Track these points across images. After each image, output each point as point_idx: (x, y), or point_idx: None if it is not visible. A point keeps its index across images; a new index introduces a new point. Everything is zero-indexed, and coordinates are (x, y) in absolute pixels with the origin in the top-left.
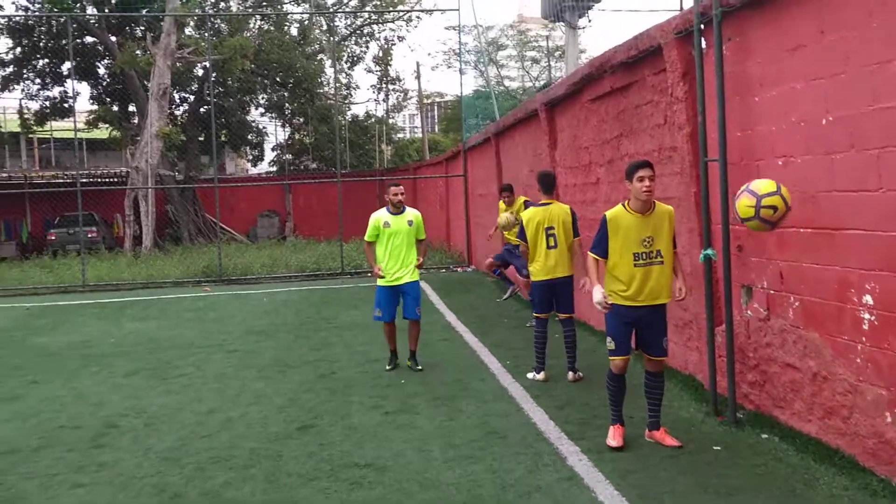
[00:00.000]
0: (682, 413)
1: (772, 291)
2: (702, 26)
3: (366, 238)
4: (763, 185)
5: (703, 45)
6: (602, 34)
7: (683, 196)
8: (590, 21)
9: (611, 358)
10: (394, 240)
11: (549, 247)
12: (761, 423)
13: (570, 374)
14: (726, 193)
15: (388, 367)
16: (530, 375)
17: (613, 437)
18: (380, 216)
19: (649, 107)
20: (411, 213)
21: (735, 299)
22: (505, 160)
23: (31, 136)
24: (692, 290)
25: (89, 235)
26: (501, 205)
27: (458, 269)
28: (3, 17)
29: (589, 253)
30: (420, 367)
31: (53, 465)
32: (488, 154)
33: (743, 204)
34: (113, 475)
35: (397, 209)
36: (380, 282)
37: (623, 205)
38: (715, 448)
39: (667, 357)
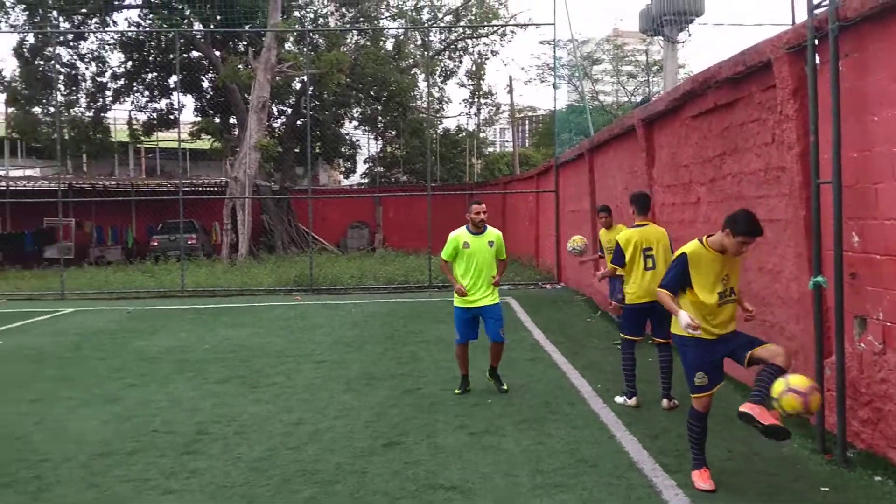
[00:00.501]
0: (786, 450)
1: (888, 323)
2: (816, 41)
3: (442, 256)
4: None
5: (817, 60)
6: (703, 49)
7: (791, 219)
8: (689, 35)
9: (697, 395)
10: (473, 261)
11: (647, 268)
12: (874, 465)
13: (665, 401)
14: (840, 218)
15: (457, 391)
16: (620, 400)
17: (704, 480)
18: (459, 235)
19: (756, 124)
20: (493, 234)
21: (847, 330)
22: (598, 177)
23: (138, 145)
24: (799, 319)
25: (189, 242)
26: (602, 230)
27: (547, 286)
28: (116, 32)
29: (659, 290)
30: (505, 388)
31: (147, 470)
32: (581, 170)
33: (789, 401)
34: (203, 483)
35: (478, 229)
36: (456, 302)
37: (701, 241)
38: (823, 489)
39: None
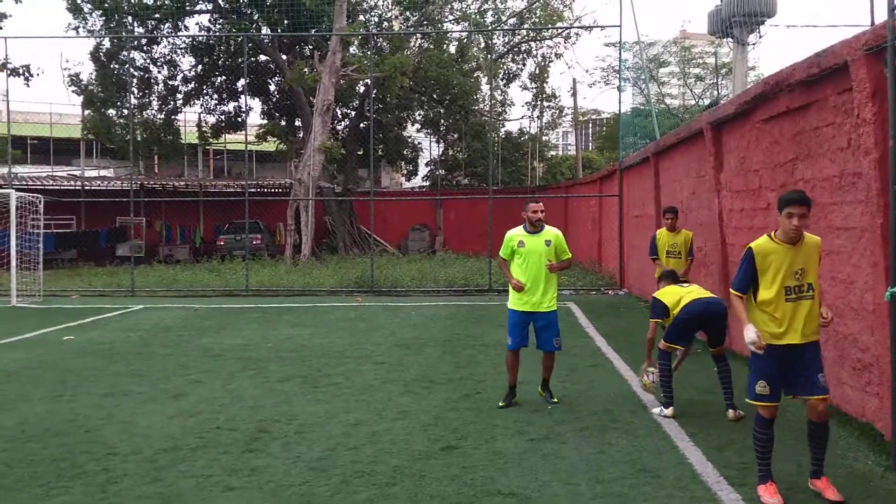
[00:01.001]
0: (858, 465)
1: None
2: None
3: (501, 254)
4: None
5: None
6: (774, 50)
7: (867, 227)
8: (760, 37)
9: (761, 404)
10: (528, 261)
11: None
12: None
13: (731, 411)
14: None
15: (501, 404)
16: (657, 411)
17: (770, 495)
18: (515, 234)
19: (830, 129)
20: (550, 233)
21: None
22: (664, 181)
23: (207, 147)
24: (874, 331)
25: (254, 242)
26: (662, 232)
27: (609, 292)
28: (188, 37)
29: (732, 292)
30: (556, 400)
31: (209, 466)
32: (646, 174)
33: None
34: (263, 481)
35: (535, 228)
36: (511, 304)
37: (769, 235)
38: None
39: (828, 396)
